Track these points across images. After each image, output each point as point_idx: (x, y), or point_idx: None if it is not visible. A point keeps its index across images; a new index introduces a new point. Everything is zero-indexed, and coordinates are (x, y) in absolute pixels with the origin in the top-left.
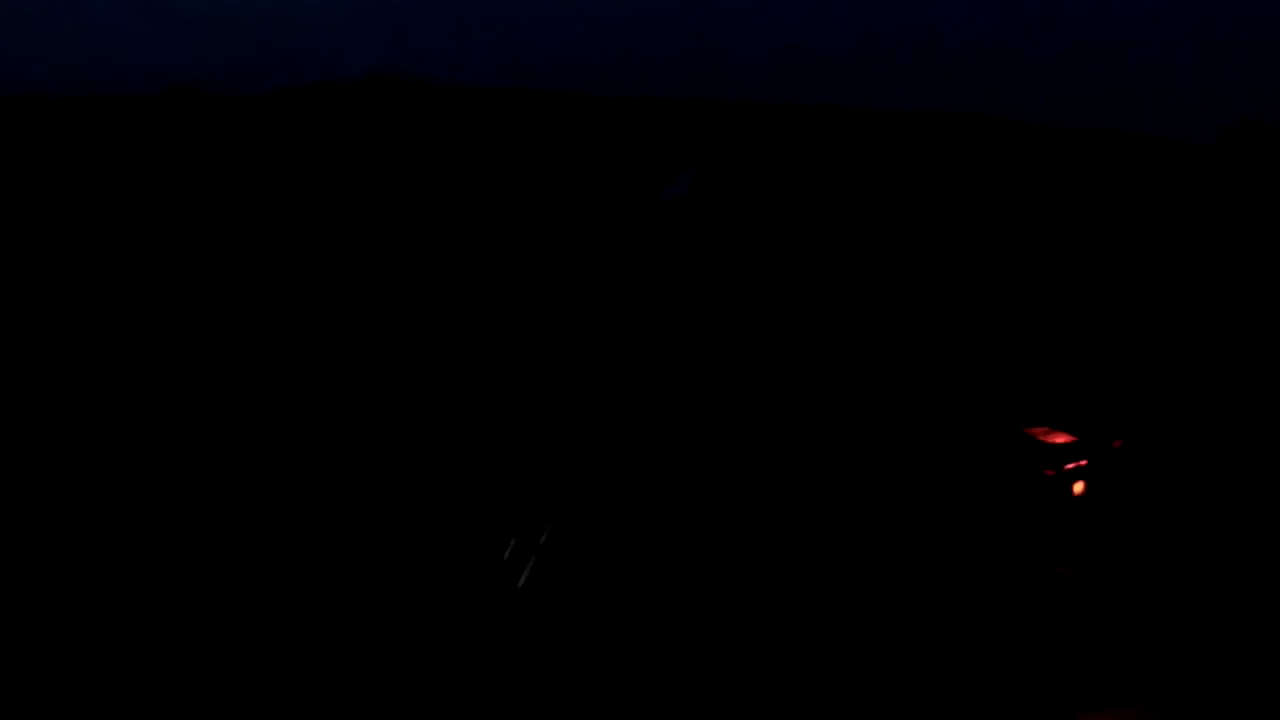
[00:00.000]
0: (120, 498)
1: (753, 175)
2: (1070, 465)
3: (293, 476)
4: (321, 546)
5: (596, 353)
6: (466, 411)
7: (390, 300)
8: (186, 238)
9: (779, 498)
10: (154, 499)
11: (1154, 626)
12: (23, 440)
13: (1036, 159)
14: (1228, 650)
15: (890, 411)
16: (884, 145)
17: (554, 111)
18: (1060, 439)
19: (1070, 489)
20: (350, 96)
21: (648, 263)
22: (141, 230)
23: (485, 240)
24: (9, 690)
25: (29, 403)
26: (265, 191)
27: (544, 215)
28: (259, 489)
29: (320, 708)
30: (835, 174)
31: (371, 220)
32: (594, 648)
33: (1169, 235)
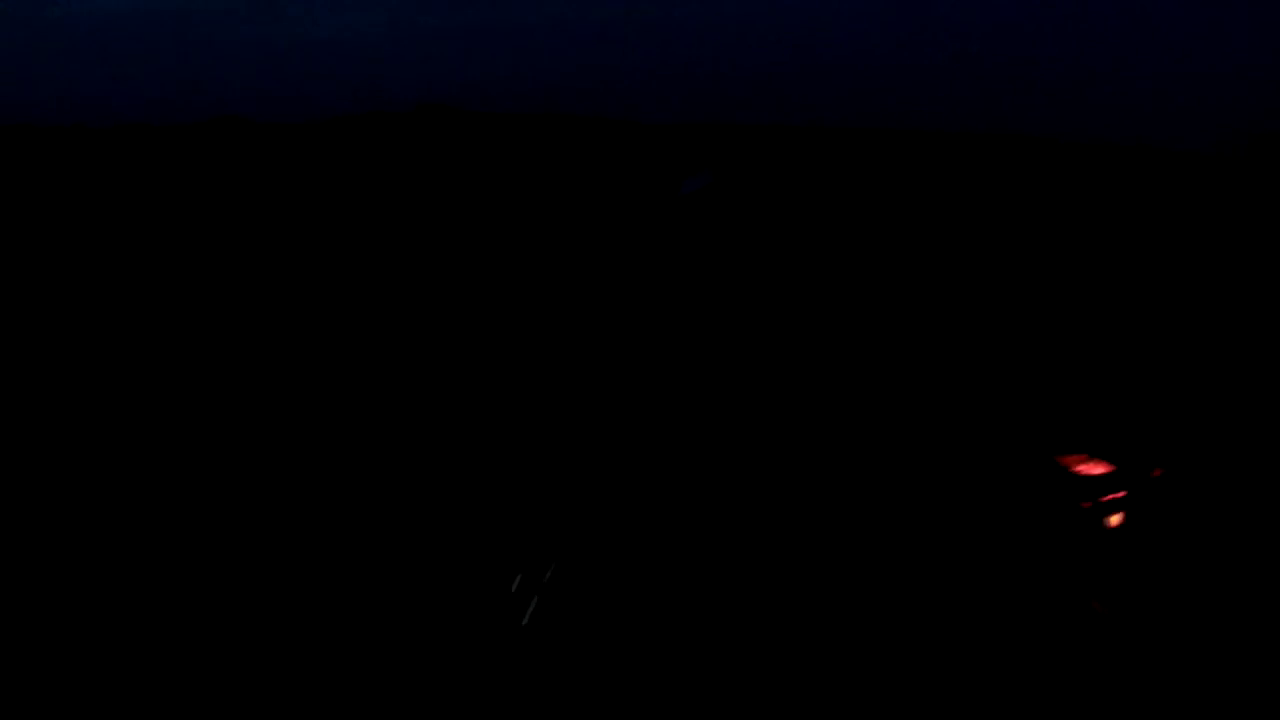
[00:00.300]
0: (125, 498)
1: (770, 180)
2: (1107, 497)
3: (344, 486)
4: (325, 551)
5: (615, 351)
6: (503, 421)
7: (426, 311)
8: (242, 261)
9: (792, 525)
10: (165, 499)
11: (1194, 668)
12: (53, 439)
13: (1065, 172)
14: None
15: (914, 440)
16: (909, 161)
17: (589, 133)
18: (1097, 468)
19: (1107, 522)
20: (403, 125)
21: (666, 256)
22: (196, 254)
23: (516, 250)
24: (9, 690)
25: (79, 410)
26: (319, 218)
27: (569, 220)
28: (280, 494)
29: (320, 708)
30: (857, 189)
31: (420, 240)
32: (601, 656)
33: (1211, 251)
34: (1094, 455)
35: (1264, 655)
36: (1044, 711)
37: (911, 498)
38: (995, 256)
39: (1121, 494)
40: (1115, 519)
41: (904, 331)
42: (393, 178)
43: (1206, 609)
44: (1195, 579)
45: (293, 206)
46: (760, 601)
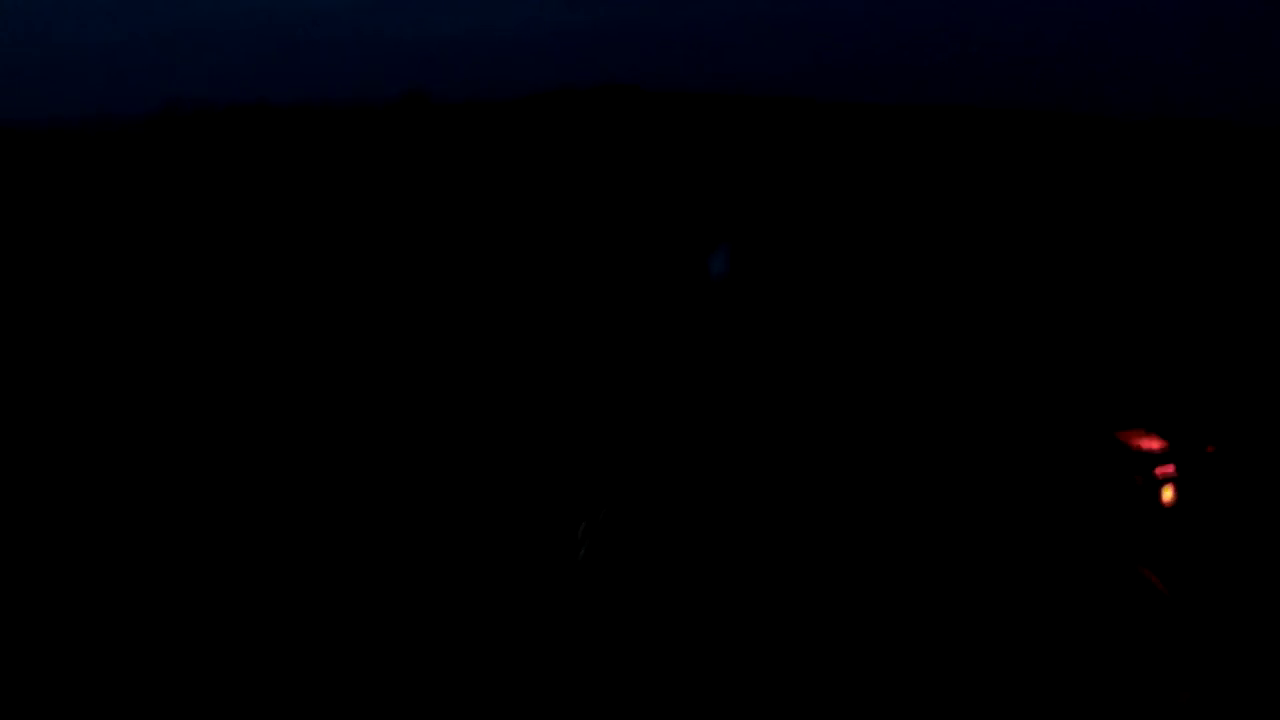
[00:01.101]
0: (126, 497)
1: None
2: (1160, 471)
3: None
4: (323, 551)
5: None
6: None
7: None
8: (418, 237)
9: (850, 499)
10: (169, 499)
11: (1248, 640)
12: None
13: (1118, 152)
14: None
15: (974, 415)
16: (941, 139)
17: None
18: (1150, 443)
19: (1160, 496)
20: (587, 102)
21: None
22: (371, 228)
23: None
24: (9, 690)
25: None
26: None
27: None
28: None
29: (320, 708)
30: (881, 174)
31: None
32: (610, 650)
33: (1266, 230)
34: (1151, 431)
35: None
36: (1098, 677)
37: (976, 470)
38: (1060, 245)
39: (1171, 468)
40: (1168, 493)
41: (970, 310)
42: (577, 156)
43: (1253, 580)
44: (1243, 551)
45: (500, 181)
46: (809, 567)
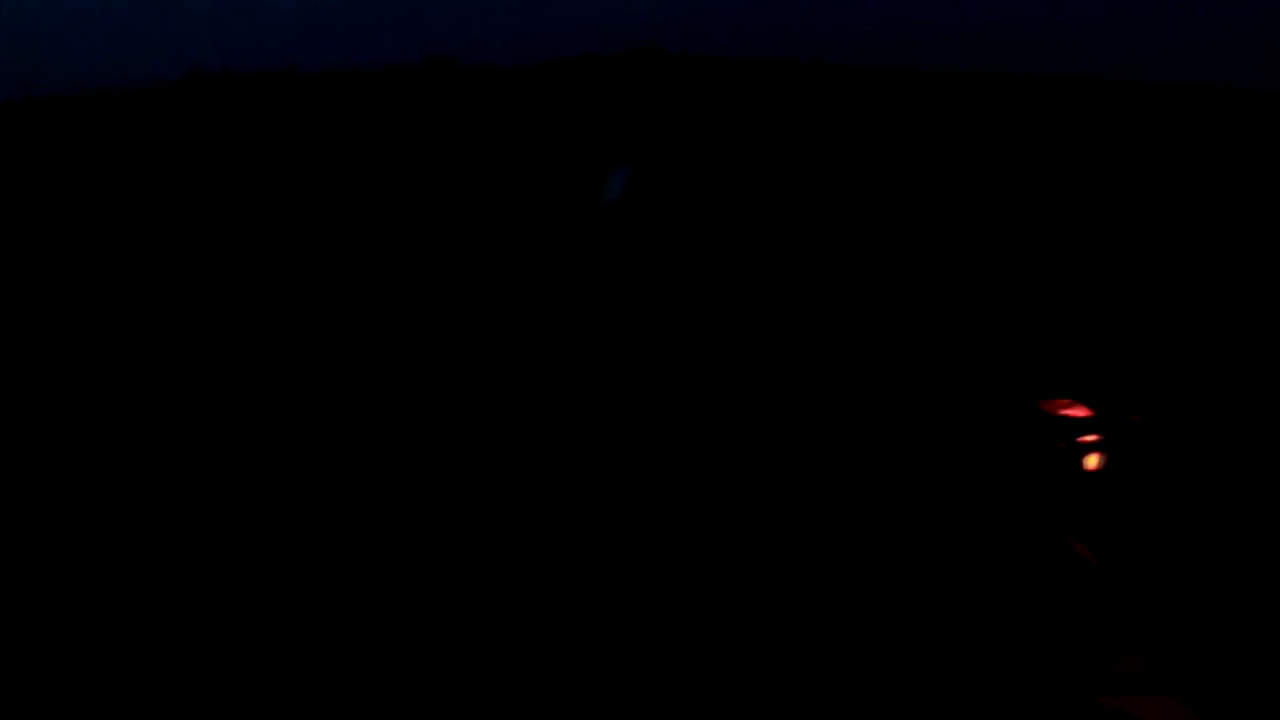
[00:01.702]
0: (123, 497)
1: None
2: (1084, 439)
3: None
4: (318, 550)
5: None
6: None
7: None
8: (460, 206)
9: (773, 481)
10: (162, 498)
11: (1176, 609)
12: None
13: (1043, 111)
14: (1254, 634)
15: (894, 389)
16: (870, 104)
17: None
18: (1075, 412)
19: (1083, 463)
20: (614, 68)
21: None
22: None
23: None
24: (9, 690)
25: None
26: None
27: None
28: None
29: (320, 708)
30: (807, 134)
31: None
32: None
33: (1196, 195)
34: (1075, 399)
35: (1241, 593)
36: (1032, 654)
37: (897, 444)
38: (979, 212)
39: (1097, 436)
40: (1093, 461)
41: (885, 282)
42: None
43: (1185, 549)
44: (1174, 521)
45: (519, 150)
46: (741, 557)
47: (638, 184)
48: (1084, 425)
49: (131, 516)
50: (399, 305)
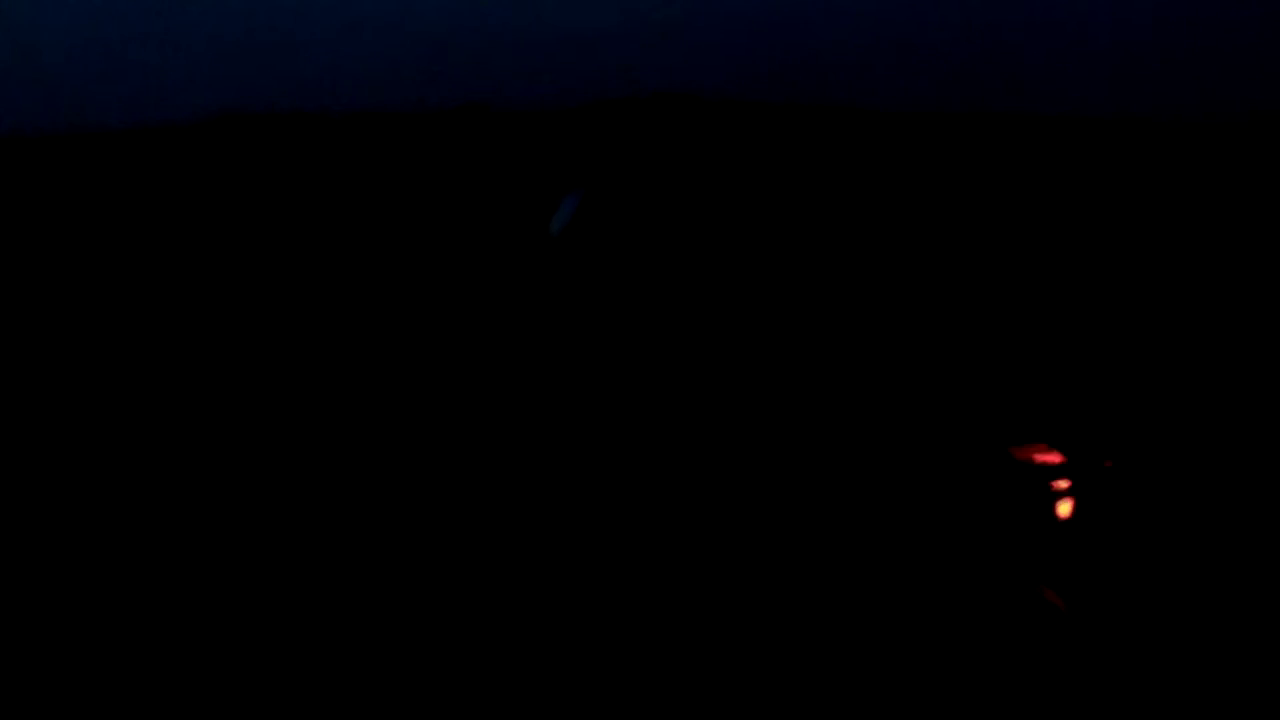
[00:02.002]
0: (123, 497)
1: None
2: (1056, 485)
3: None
4: (315, 551)
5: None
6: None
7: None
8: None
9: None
10: (162, 498)
11: (1150, 656)
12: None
13: (1020, 151)
14: (1226, 680)
15: (857, 434)
16: (834, 139)
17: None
18: (1047, 458)
19: (1055, 510)
20: (632, 112)
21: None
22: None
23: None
24: (9, 690)
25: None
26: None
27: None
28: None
29: (320, 708)
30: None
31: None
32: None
33: (1169, 237)
34: (1047, 445)
35: (1215, 636)
36: (1000, 703)
37: (864, 488)
38: (942, 248)
39: (1068, 483)
40: (1065, 508)
41: (847, 322)
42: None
43: (1156, 597)
44: (1145, 568)
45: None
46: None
47: (583, 214)
48: (1056, 471)
49: (131, 516)
50: (400, 318)
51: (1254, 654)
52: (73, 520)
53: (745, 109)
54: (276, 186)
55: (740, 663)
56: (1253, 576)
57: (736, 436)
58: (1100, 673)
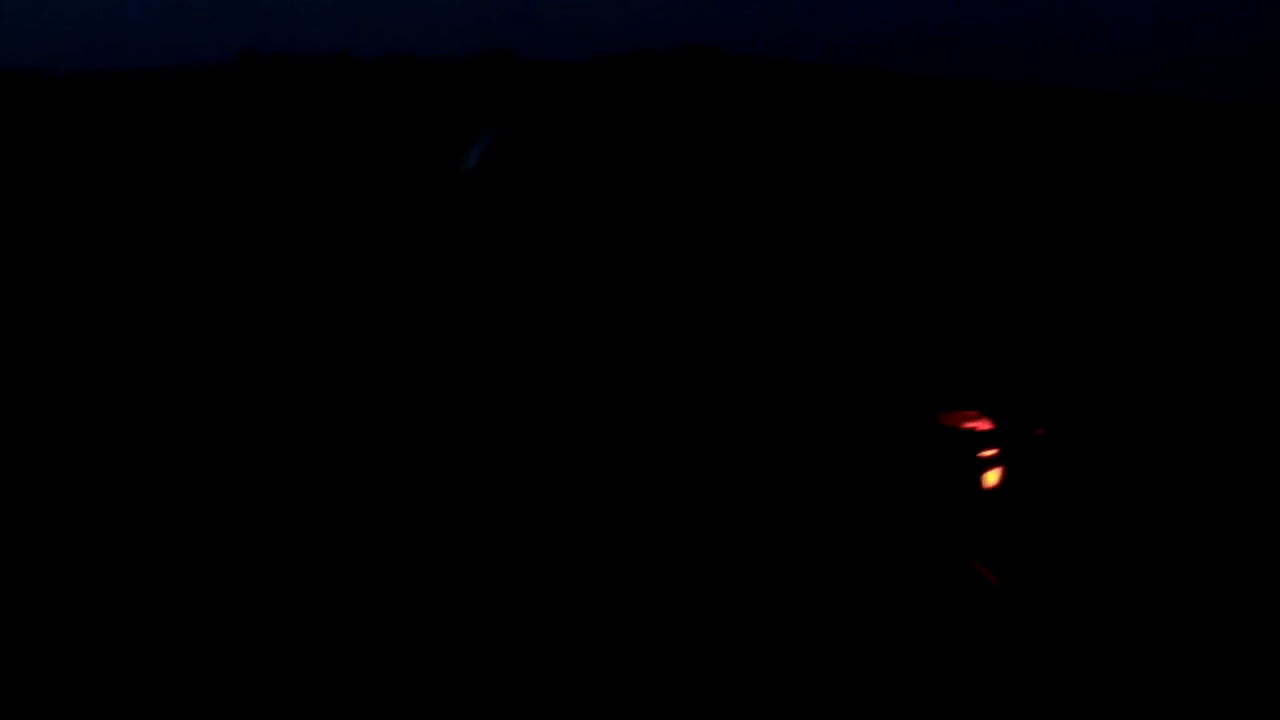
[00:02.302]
0: (121, 497)
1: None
2: (984, 454)
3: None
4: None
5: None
6: None
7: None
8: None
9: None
10: (157, 498)
11: (1079, 629)
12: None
13: (922, 111)
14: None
15: (771, 392)
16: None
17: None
18: (975, 425)
19: (982, 480)
20: (666, 66)
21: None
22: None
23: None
24: (9, 690)
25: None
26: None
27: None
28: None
29: (320, 708)
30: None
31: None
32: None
33: (1099, 200)
34: (977, 412)
35: (1146, 613)
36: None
37: (782, 458)
38: (867, 205)
39: (995, 451)
40: (993, 476)
41: (757, 282)
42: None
43: (1084, 569)
44: (1079, 539)
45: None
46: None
47: (494, 152)
48: (982, 439)
49: (132, 516)
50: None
51: (1187, 623)
52: (73, 513)
53: (765, 66)
54: (295, 129)
55: (672, 625)
56: (1186, 546)
57: (647, 383)
58: (1030, 645)
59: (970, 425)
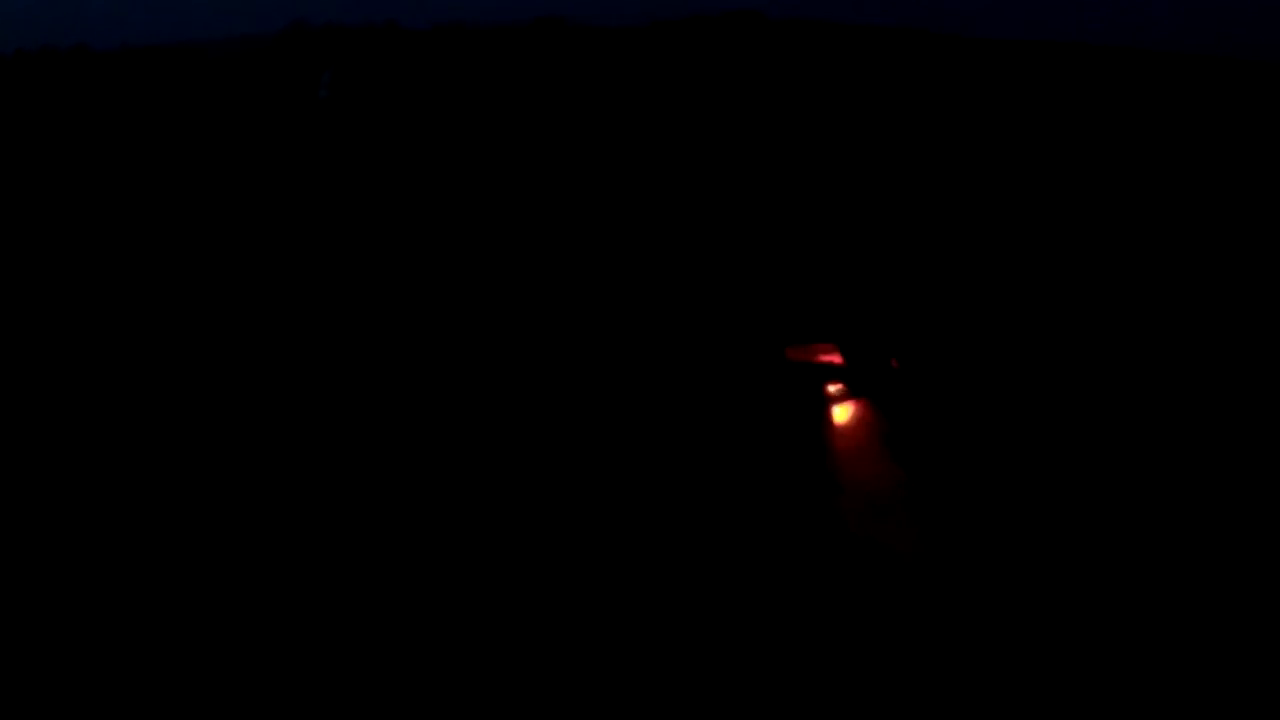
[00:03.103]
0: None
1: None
2: (833, 388)
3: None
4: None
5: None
6: None
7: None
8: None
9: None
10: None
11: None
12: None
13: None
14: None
15: (611, 317)
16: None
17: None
18: (825, 358)
19: (830, 415)
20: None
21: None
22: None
23: None
24: (9, 690)
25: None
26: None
27: None
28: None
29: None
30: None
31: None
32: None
33: (958, 138)
34: (827, 345)
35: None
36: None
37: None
38: (718, 134)
39: (841, 385)
40: (843, 412)
41: (596, 220)
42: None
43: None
44: (930, 475)
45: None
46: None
47: (339, 83)
48: (834, 372)
49: (134, 516)
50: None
51: (1066, 578)
52: (73, 513)
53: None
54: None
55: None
56: (1064, 499)
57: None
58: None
59: (820, 359)
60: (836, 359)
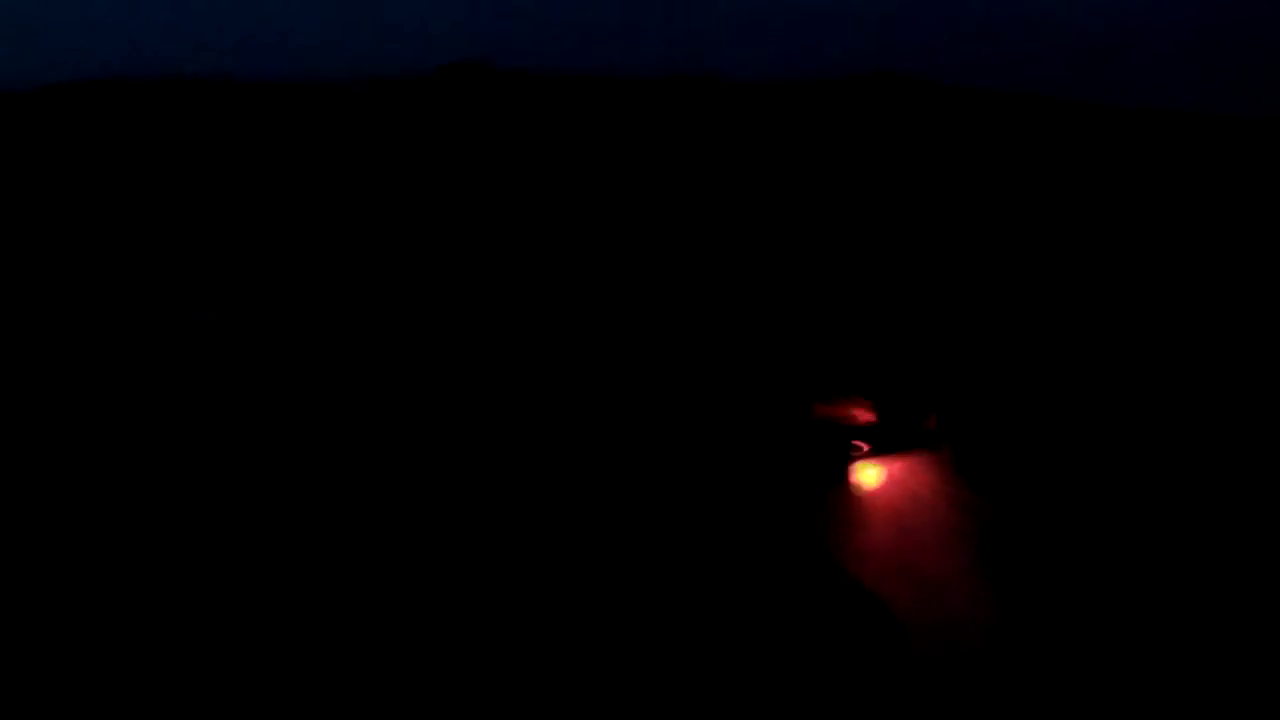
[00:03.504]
0: (125, 497)
1: None
2: (859, 446)
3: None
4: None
5: None
6: None
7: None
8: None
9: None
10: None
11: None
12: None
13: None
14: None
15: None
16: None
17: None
18: (857, 416)
19: (857, 477)
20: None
21: None
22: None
23: None
24: (9, 690)
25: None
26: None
27: None
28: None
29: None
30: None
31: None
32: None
33: (995, 193)
34: (860, 401)
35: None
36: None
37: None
38: (749, 194)
39: (865, 446)
40: (871, 475)
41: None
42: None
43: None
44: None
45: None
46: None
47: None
48: (863, 431)
49: (136, 516)
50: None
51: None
52: (73, 513)
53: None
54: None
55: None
56: (1100, 554)
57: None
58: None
59: (851, 416)
60: (869, 416)
